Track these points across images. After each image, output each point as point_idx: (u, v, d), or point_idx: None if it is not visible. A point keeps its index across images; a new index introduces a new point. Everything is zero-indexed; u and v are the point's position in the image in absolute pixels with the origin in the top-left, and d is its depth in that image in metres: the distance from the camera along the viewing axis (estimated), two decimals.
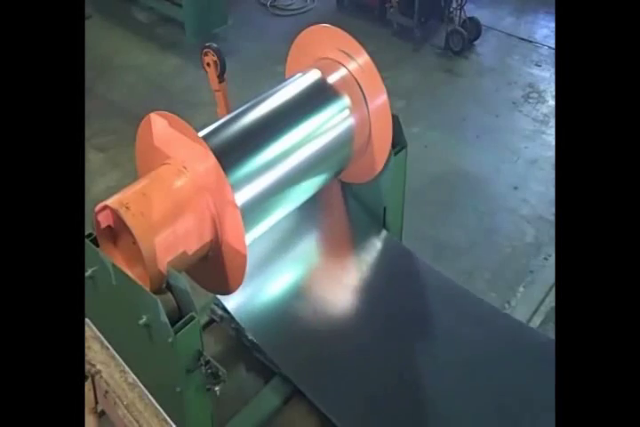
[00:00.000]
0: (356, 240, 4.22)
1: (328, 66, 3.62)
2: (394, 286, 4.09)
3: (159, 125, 3.03)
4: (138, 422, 1.73)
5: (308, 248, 4.18)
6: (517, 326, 4.05)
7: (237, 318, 3.84)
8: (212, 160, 2.87)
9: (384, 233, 4.13)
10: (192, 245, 2.99)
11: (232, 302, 3.86)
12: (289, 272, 4.04)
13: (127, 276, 2.89)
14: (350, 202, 4.17)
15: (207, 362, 2.92)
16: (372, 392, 3.67)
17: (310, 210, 4.03)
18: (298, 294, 3.97)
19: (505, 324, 4.01)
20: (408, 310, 4.00)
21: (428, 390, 3.71)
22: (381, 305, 3.99)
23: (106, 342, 1.87)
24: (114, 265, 2.91)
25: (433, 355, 3.85)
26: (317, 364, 3.75)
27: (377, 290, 4.09)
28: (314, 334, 3.84)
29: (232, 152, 3.17)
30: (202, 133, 3.16)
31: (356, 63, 3.55)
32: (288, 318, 3.87)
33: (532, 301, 4.74)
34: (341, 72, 3.59)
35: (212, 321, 4.27)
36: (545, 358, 3.38)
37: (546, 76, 6.91)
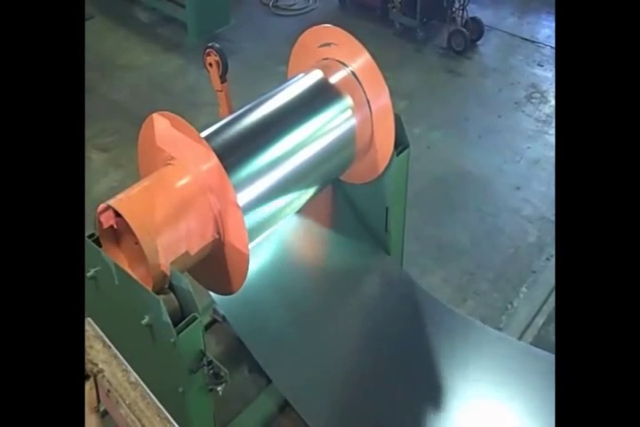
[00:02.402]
0: (356, 262, 4.26)
1: (330, 66, 3.62)
2: (392, 313, 4.13)
3: (161, 126, 3.03)
4: (140, 421, 1.73)
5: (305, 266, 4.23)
6: (523, 352, 4.06)
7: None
8: (215, 160, 2.87)
9: (386, 257, 4.18)
10: (194, 246, 2.99)
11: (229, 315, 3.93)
12: (282, 284, 4.07)
13: (129, 276, 2.89)
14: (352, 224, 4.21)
15: (209, 362, 2.92)
16: (359, 410, 3.73)
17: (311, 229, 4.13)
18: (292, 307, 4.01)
19: (508, 349, 4.02)
20: (405, 336, 4.04)
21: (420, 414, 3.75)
22: (378, 333, 4.03)
23: (108, 341, 1.87)
24: (116, 265, 2.91)
25: (421, 377, 3.88)
26: (308, 379, 3.79)
27: (373, 311, 4.14)
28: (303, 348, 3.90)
29: (234, 152, 3.17)
30: (204, 134, 3.16)
31: (358, 63, 3.55)
32: (281, 331, 3.92)
33: (534, 301, 4.74)
34: (343, 72, 3.59)
35: (214, 321, 4.27)
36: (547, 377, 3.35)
37: (548, 77, 6.91)
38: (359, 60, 3.54)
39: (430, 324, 4.05)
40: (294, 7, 8.05)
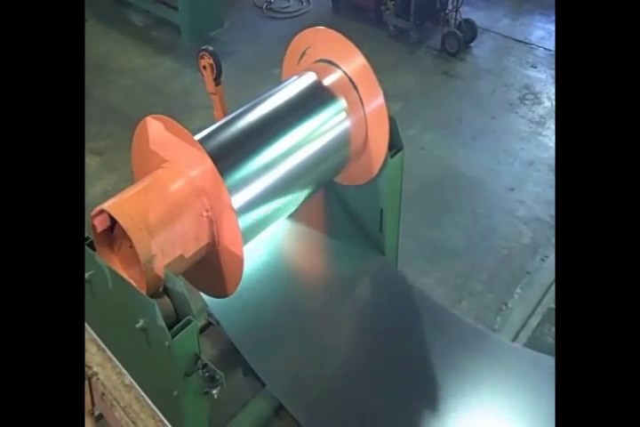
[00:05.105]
0: (352, 264, 4.25)
1: (324, 68, 3.62)
2: (389, 315, 4.12)
3: (155, 129, 3.03)
4: (135, 423, 1.73)
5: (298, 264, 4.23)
6: (519, 354, 4.06)
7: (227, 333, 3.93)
8: (209, 163, 2.87)
9: (381, 258, 4.18)
10: (189, 249, 2.99)
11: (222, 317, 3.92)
12: (278, 286, 4.06)
13: (124, 279, 2.89)
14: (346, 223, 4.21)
15: (204, 365, 2.92)
16: (355, 413, 3.72)
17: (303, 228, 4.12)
18: (287, 310, 4.00)
19: (502, 349, 4.03)
20: (397, 332, 4.04)
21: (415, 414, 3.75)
22: (371, 328, 4.03)
23: (102, 345, 1.87)
24: (110, 269, 2.90)
25: (417, 377, 3.88)
26: (302, 382, 3.79)
27: (369, 313, 4.14)
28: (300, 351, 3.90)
29: (228, 155, 3.17)
30: (198, 137, 3.15)
31: (351, 65, 3.55)
32: (274, 331, 3.91)
33: (529, 302, 4.75)
34: (337, 74, 3.59)
35: (209, 324, 4.27)
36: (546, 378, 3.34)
37: (542, 78, 6.93)
38: (353, 63, 3.54)
39: (428, 325, 4.05)
40: (287, 10, 8.07)
